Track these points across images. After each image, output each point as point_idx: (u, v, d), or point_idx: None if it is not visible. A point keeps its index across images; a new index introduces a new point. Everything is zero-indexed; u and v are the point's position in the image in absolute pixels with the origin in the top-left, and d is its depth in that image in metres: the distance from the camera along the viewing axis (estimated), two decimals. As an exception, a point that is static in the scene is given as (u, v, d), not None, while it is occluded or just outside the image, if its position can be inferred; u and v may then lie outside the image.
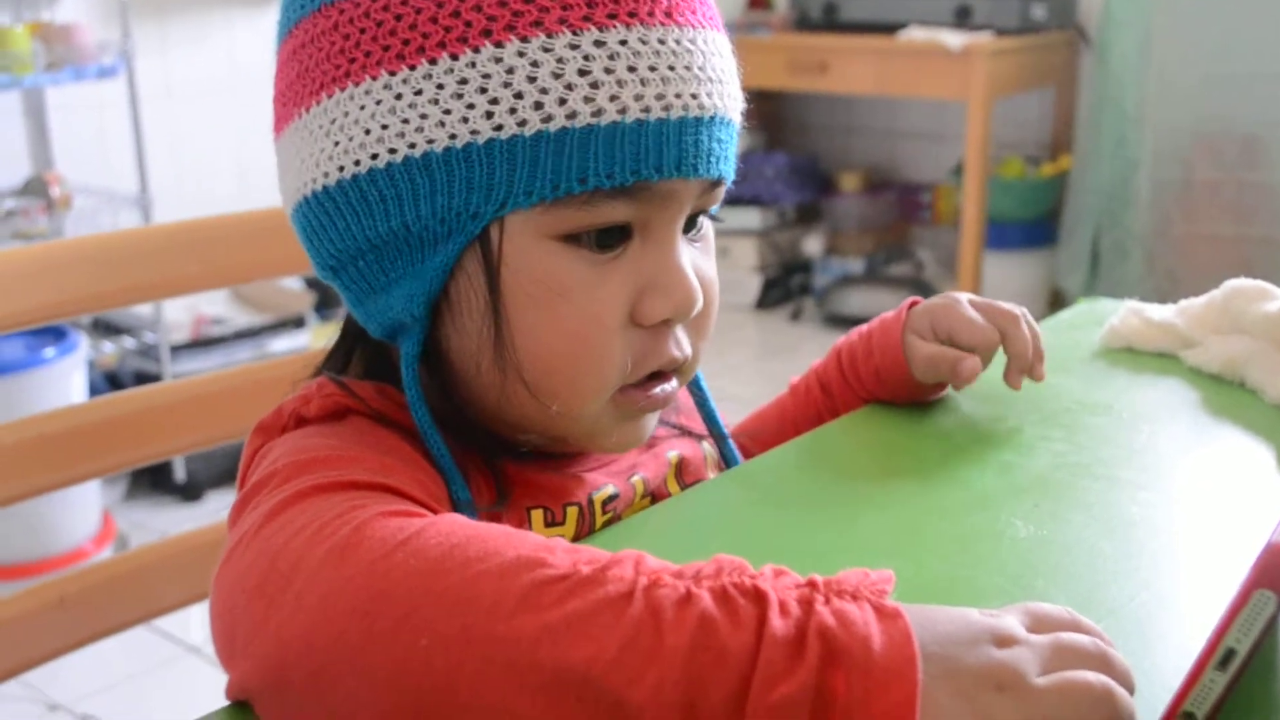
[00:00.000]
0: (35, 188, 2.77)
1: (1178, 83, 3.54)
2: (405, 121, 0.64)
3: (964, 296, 0.90)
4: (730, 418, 0.96)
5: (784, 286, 4.35)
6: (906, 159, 4.42)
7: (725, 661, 0.47)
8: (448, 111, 0.64)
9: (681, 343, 0.72)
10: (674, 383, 0.73)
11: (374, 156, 0.65)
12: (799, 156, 4.38)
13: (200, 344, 2.98)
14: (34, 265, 0.97)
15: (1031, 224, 3.93)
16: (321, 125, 0.67)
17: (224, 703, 0.57)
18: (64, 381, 2.40)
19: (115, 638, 1.05)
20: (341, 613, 0.51)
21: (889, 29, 3.74)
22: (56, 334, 2.47)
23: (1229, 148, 3.53)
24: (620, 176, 0.64)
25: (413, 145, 0.65)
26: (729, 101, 0.69)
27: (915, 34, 3.64)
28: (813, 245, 4.28)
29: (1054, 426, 0.88)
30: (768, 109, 4.52)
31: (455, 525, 0.54)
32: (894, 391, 0.91)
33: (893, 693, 0.47)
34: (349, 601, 0.51)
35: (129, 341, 2.86)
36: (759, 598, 0.49)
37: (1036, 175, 3.92)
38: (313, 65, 0.68)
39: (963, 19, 3.69)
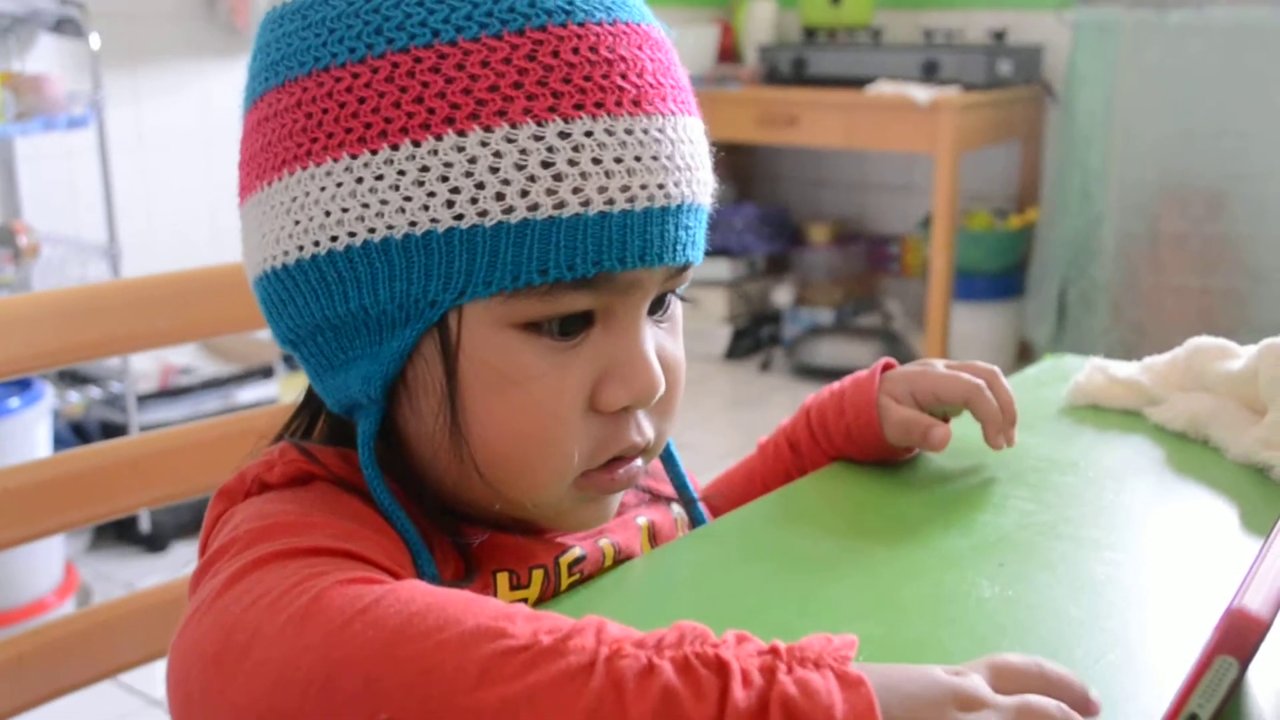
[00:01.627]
0: (3, 237, 2.75)
1: (1142, 138, 3.58)
2: (365, 206, 0.64)
3: (938, 361, 0.91)
4: (700, 467, 0.96)
5: (753, 337, 4.36)
6: (875, 211, 4.45)
7: None
8: (408, 198, 0.63)
9: (643, 427, 0.71)
10: (638, 463, 0.72)
11: (334, 239, 0.65)
12: (769, 208, 4.41)
13: (168, 393, 2.96)
14: (1, 318, 0.97)
15: (999, 275, 3.96)
16: (283, 202, 0.67)
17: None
18: (29, 431, 2.38)
19: (80, 692, 1.04)
20: (300, 683, 0.51)
21: (857, 83, 3.77)
22: (21, 384, 2.46)
23: (1193, 201, 3.57)
24: (582, 268, 0.64)
25: (372, 230, 0.64)
26: (698, 188, 0.68)
27: (883, 88, 3.68)
28: (782, 296, 4.30)
29: (1020, 485, 0.88)
30: (738, 161, 4.55)
31: (415, 592, 0.53)
32: (864, 451, 0.91)
33: None
34: (307, 672, 0.51)
35: (95, 391, 2.84)
36: (721, 668, 0.49)
37: (1004, 227, 3.95)
38: (275, 140, 0.67)
39: (930, 74, 3.73)
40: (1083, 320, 3.74)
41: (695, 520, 0.84)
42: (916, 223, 4.21)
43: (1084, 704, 0.53)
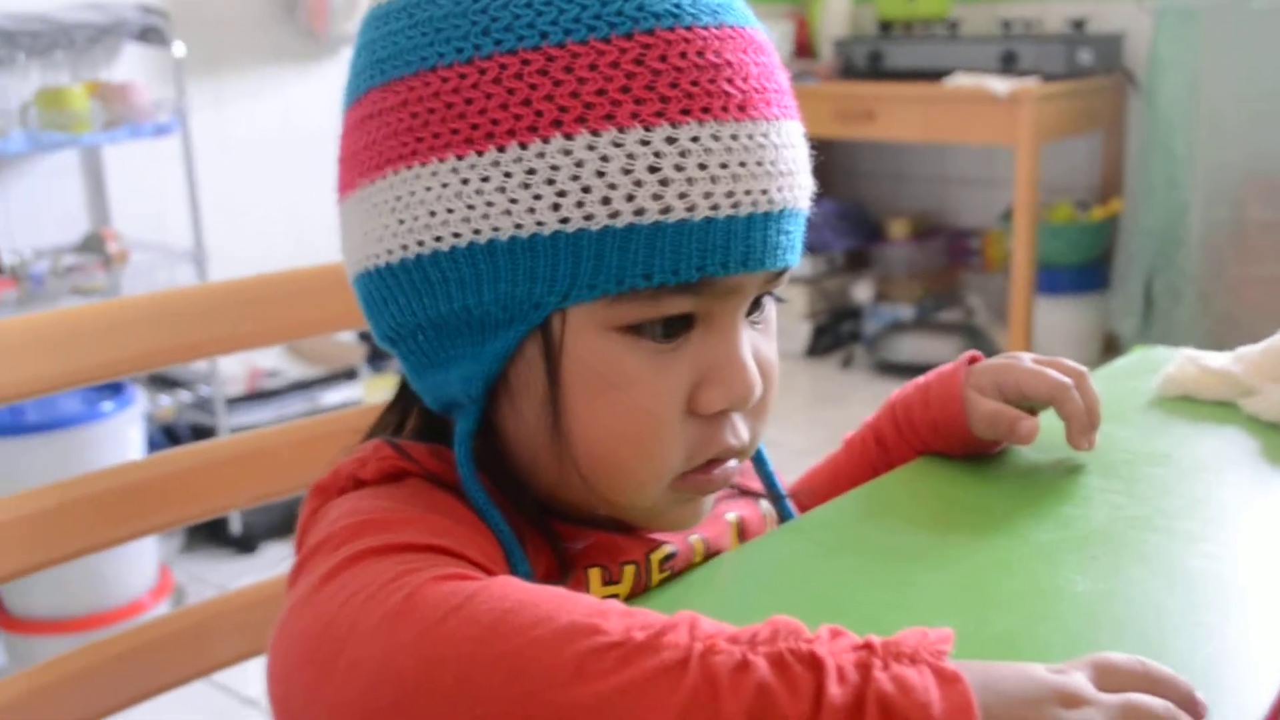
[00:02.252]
0: (93, 244, 2.81)
1: (1227, 123, 3.52)
2: (471, 207, 0.64)
3: (1025, 355, 0.90)
4: (781, 464, 0.96)
5: (834, 333, 4.34)
6: (955, 205, 4.41)
7: None
8: (514, 201, 0.63)
9: (739, 430, 0.71)
10: (734, 463, 0.72)
11: (438, 239, 0.65)
12: (847, 203, 4.38)
13: (255, 396, 3.00)
14: (93, 324, 0.98)
15: (1082, 268, 3.90)
16: (386, 200, 0.67)
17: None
18: (121, 435, 2.43)
19: (180, 694, 1.05)
20: (395, 681, 0.51)
21: (934, 76, 3.74)
22: (114, 388, 2.50)
23: (1281, 188, 3.50)
24: (686, 273, 0.63)
25: (477, 231, 0.64)
26: (798, 193, 0.68)
27: (961, 80, 3.64)
28: (862, 292, 4.27)
29: (1112, 478, 0.87)
30: (815, 157, 4.51)
31: (508, 589, 0.53)
32: (950, 445, 0.90)
33: None
34: (402, 670, 0.51)
35: (185, 395, 2.89)
36: (816, 664, 0.49)
37: (1087, 219, 3.90)
38: (380, 138, 0.67)
39: (1009, 65, 3.69)
40: (1170, 312, 3.68)
41: (783, 516, 0.84)
42: (997, 216, 4.16)
43: (1190, 704, 0.52)
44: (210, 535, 2.91)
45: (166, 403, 2.86)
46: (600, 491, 0.70)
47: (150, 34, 2.86)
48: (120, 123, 2.72)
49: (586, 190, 0.62)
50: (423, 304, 0.67)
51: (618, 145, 0.62)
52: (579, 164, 0.62)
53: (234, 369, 3.06)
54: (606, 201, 0.62)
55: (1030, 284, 3.70)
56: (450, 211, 0.64)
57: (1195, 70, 3.52)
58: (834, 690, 0.48)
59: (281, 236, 3.25)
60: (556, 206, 0.62)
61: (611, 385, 0.66)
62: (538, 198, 0.62)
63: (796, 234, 0.69)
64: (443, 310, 0.67)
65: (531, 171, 0.62)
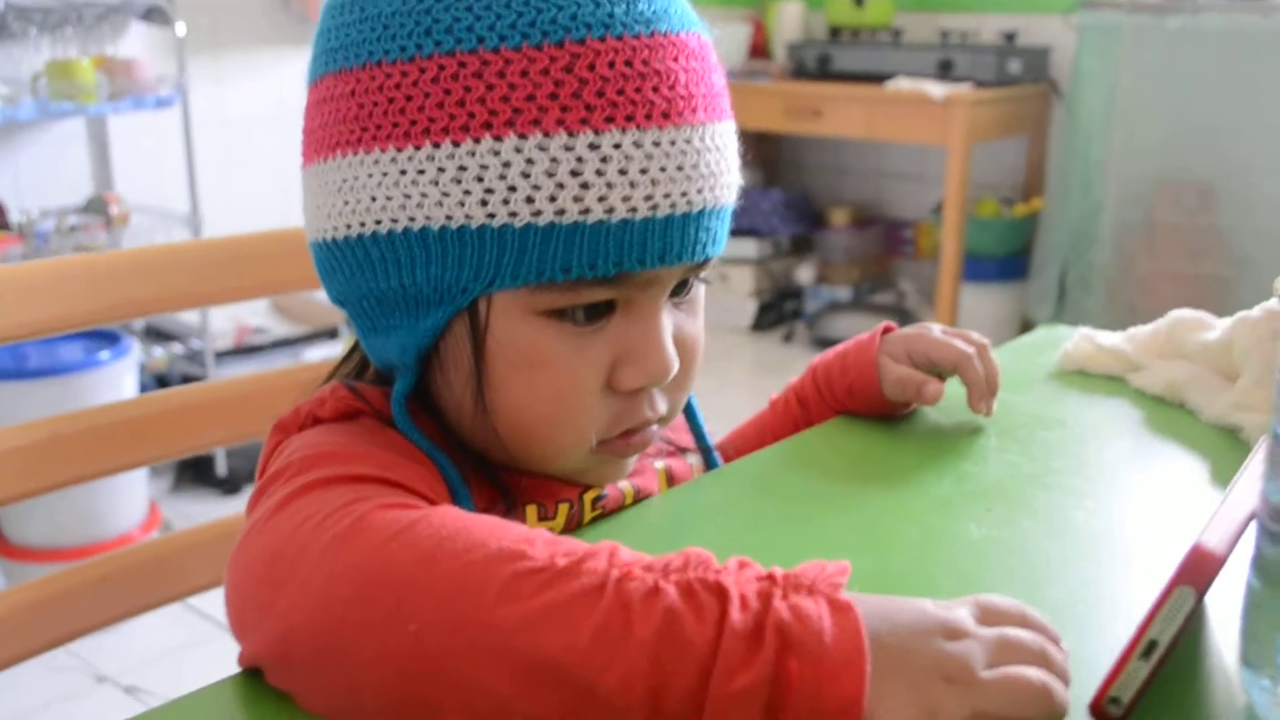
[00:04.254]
0: (96, 206, 2.78)
1: (1140, 134, 3.54)
2: (407, 196, 0.63)
3: (935, 326, 0.91)
4: (725, 429, 0.97)
5: (777, 311, 4.35)
6: (892, 197, 4.43)
7: (688, 653, 0.48)
8: (446, 194, 0.63)
9: (656, 403, 0.71)
10: (653, 428, 0.72)
11: (377, 222, 0.65)
12: (793, 193, 4.39)
13: (242, 351, 2.99)
14: (92, 272, 0.98)
15: (1005, 259, 3.93)
16: (334, 181, 0.67)
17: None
18: (117, 382, 2.41)
19: (158, 616, 1.06)
20: (341, 598, 0.52)
21: (878, 79, 3.75)
22: (111, 339, 2.48)
23: (1186, 194, 3.53)
24: (603, 268, 0.63)
25: (412, 219, 0.64)
26: (721, 192, 0.67)
27: (902, 84, 3.65)
28: (804, 274, 4.29)
29: (1010, 439, 0.88)
30: (766, 149, 4.53)
31: (447, 517, 0.54)
32: (865, 406, 0.91)
33: (843, 683, 0.47)
34: (347, 588, 0.52)
35: (177, 347, 2.87)
36: (721, 593, 0.49)
37: (1010, 215, 3.92)
38: (331, 121, 0.67)
39: (945, 71, 3.70)
40: (1081, 301, 3.71)
41: (710, 467, 0.84)
42: (929, 209, 4.18)
43: (1057, 644, 0.53)
44: (197, 476, 2.90)
45: (160, 354, 2.84)
46: (521, 458, 0.70)
47: (154, 14, 2.83)
48: (124, 95, 2.69)
49: (512, 189, 0.62)
50: (364, 277, 0.68)
51: (542, 149, 0.61)
52: (506, 164, 0.62)
53: (223, 325, 3.04)
54: (530, 201, 0.62)
55: (957, 272, 3.73)
56: (389, 199, 0.64)
57: (1114, 83, 3.54)
58: (736, 617, 0.48)
59: (272, 203, 3.22)
60: (484, 202, 0.62)
61: (531, 364, 0.66)
62: (467, 193, 0.62)
63: (719, 228, 0.68)
64: (380, 285, 0.67)
65: (463, 168, 0.62)
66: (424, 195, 0.63)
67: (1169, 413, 0.95)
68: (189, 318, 2.95)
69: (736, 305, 4.27)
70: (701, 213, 0.66)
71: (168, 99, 2.75)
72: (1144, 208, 3.59)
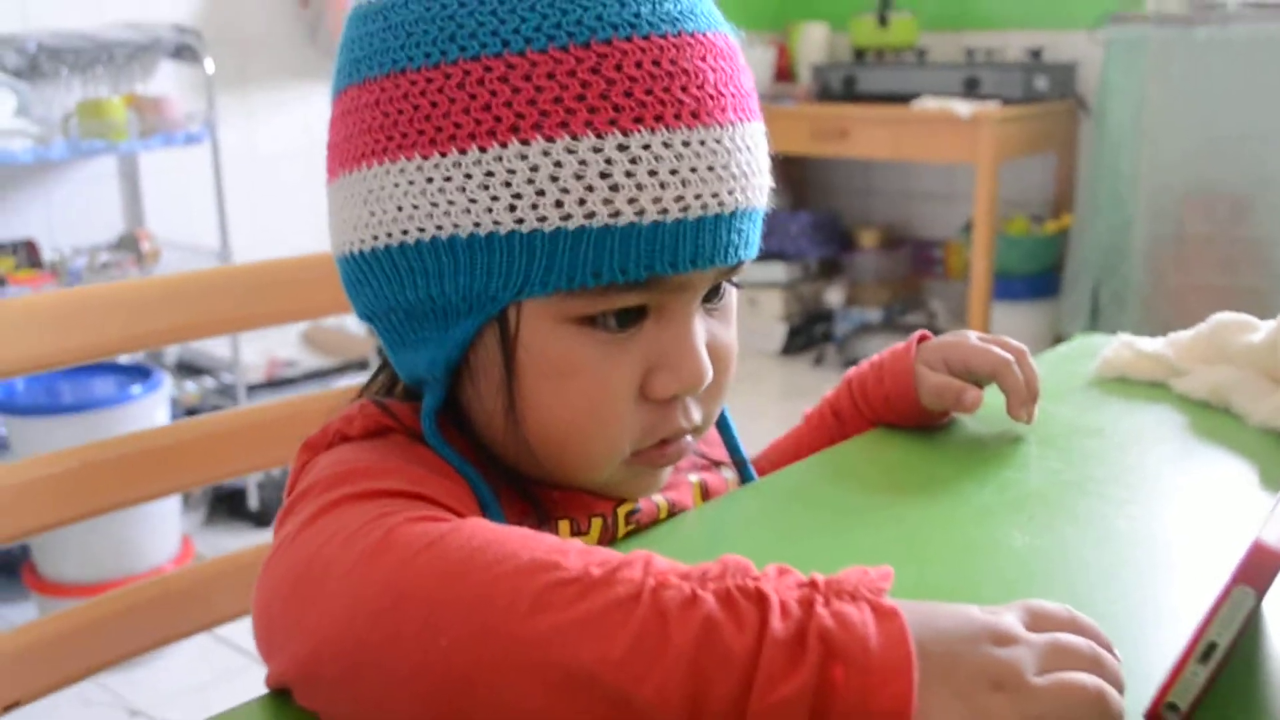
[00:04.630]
0: (128, 243, 2.80)
1: (1169, 147, 3.51)
2: (434, 205, 0.63)
3: (972, 333, 0.89)
4: (756, 452, 0.95)
5: (807, 334, 4.33)
6: (920, 218, 4.41)
7: (728, 663, 0.46)
8: (474, 201, 0.62)
9: (690, 413, 0.69)
10: (689, 439, 0.71)
11: (404, 233, 0.64)
12: (821, 215, 4.37)
13: (273, 384, 2.99)
14: (124, 300, 0.98)
15: (1036, 277, 3.90)
16: (360, 193, 0.66)
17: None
18: (149, 416, 2.42)
19: (189, 648, 1.05)
20: (368, 614, 0.50)
21: (903, 99, 3.73)
22: (143, 373, 2.49)
23: (1218, 206, 3.49)
24: (634, 272, 0.62)
25: (440, 228, 0.63)
26: (752, 194, 0.66)
27: (928, 103, 3.63)
28: (834, 296, 4.27)
29: (1050, 448, 0.86)
30: (793, 172, 4.52)
31: (478, 529, 0.53)
32: (901, 417, 0.90)
33: (890, 691, 0.45)
34: (375, 603, 0.50)
35: (209, 381, 2.88)
36: (761, 600, 0.48)
37: (1040, 232, 3.89)
38: (356, 133, 0.66)
39: (971, 89, 3.68)
40: (1114, 317, 3.67)
41: (745, 480, 0.83)
42: (959, 228, 4.16)
43: (1109, 650, 0.51)
44: (230, 510, 2.90)
45: (191, 388, 2.85)
46: (554, 470, 0.69)
47: (184, 51, 2.85)
48: (154, 132, 2.71)
49: (540, 194, 0.61)
50: (392, 290, 0.67)
51: (570, 152, 0.60)
52: (534, 169, 0.61)
53: (254, 359, 3.05)
54: (559, 205, 0.61)
55: (988, 291, 3.70)
56: (415, 208, 0.63)
57: (1141, 97, 3.51)
58: (777, 625, 0.46)
59: (302, 237, 3.22)
60: (512, 208, 0.61)
61: (563, 373, 0.65)
62: (495, 199, 0.61)
63: (750, 230, 0.67)
64: (409, 297, 0.66)
65: (490, 174, 0.61)
66: (451, 203, 0.62)
67: (1214, 417, 0.93)
68: (220, 351, 2.96)
69: (766, 329, 4.25)
70: (733, 214, 0.64)
71: (197, 135, 2.77)
72: (1175, 221, 3.56)
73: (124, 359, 2.74)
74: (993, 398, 0.87)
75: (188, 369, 2.98)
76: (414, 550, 0.51)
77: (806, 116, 3.90)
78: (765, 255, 3.68)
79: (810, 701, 0.45)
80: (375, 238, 0.66)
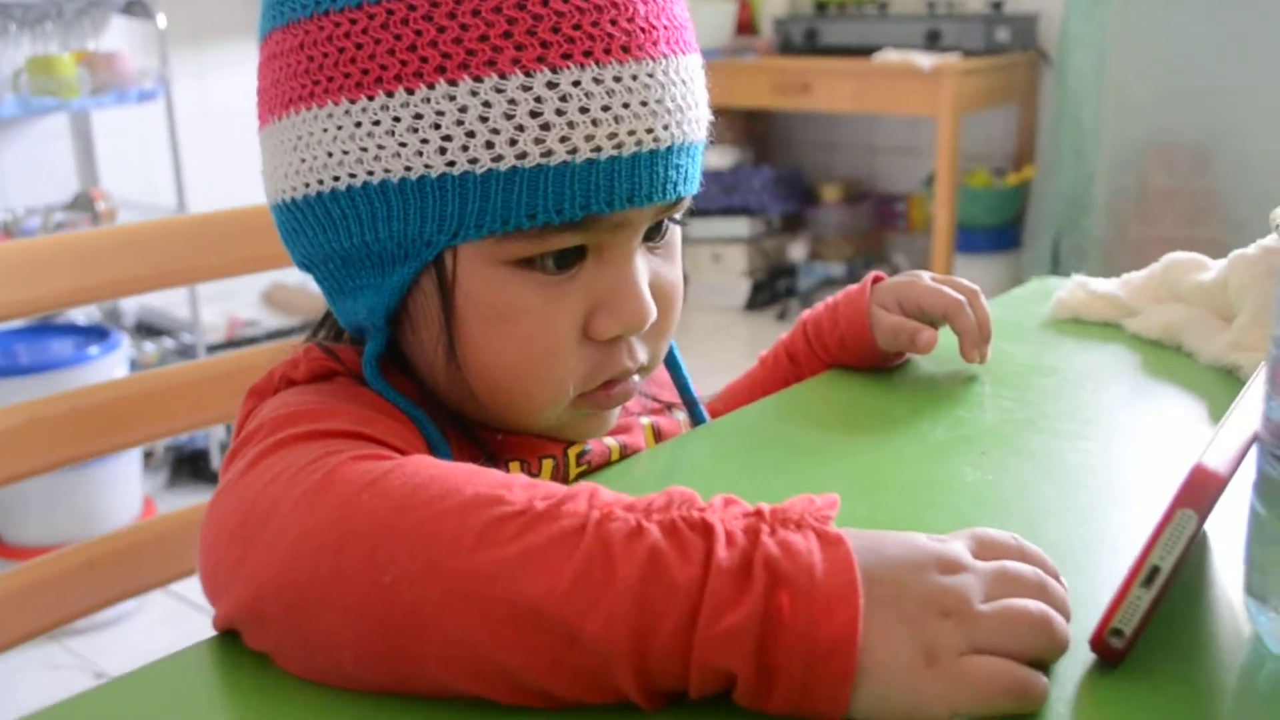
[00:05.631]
0: (82, 203, 2.76)
1: (1132, 98, 3.52)
2: (364, 150, 0.62)
3: (925, 274, 0.89)
4: (708, 397, 0.94)
5: (770, 289, 4.33)
6: (883, 171, 4.41)
7: (674, 593, 0.46)
8: (403, 144, 0.61)
9: (635, 352, 0.69)
10: (634, 379, 0.70)
11: (335, 179, 0.63)
12: (784, 170, 4.37)
13: (234, 344, 2.97)
14: (80, 251, 0.96)
15: (998, 230, 3.91)
16: (289, 139, 0.65)
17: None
18: (107, 376, 2.36)
19: (155, 611, 1.04)
20: (311, 552, 0.50)
21: (865, 52, 3.72)
22: (101, 334, 2.47)
23: (1180, 158, 3.51)
24: (570, 212, 0.61)
25: (370, 173, 0.62)
26: (689, 127, 0.65)
27: (890, 56, 3.62)
28: (797, 251, 4.27)
29: (1004, 387, 0.86)
30: (755, 126, 4.50)
31: (421, 466, 0.52)
32: (857, 357, 0.90)
33: (836, 617, 0.45)
34: (318, 541, 0.50)
35: (169, 342, 2.86)
36: (706, 530, 0.47)
37: (1002, 185, 3.90)
38: (282, 78, 0.65)
39: (933, 42, 3.68)
40: (1076, 269, 3.61)
41: (697, 421, 0.82)
42: (921, 182, 4.16)
43: (1056, 578, 0.52)
44: (193, 472, 2.88)
45: (150, 349, 2.82)
46: (498, 415, 0.69)
47: (135, 7, 2.80)
48: (107, 89, 2.67)
49: (470, 135, 0.60)
50: (326, 237, 0.66)
51: (499, 91, 0.59)
52: (462, 110, 0.60)
53: (214, 319, 3.02)
54: (490, 146, 0.60)
55: (950, 244, 3.71)
56: (345, 153, 0.62)
57: (1103, 49, 3.52)
58: (722, 554, 0.46)
59: (259, 194, 3.20)
60: (442, 150, 0.60)
61: (503, 317, 0.65)
62: (425, 142, 0.60)
63: (689, 166, 0.66)
64: (344, 244, 0.65)
65: (418, 116, 0.60)
66: (381, 147, 0.61)
67: (1166, 356, 0.93)
68: (180, 312, 2.93)
69: (729, 285, 4.25)
70: (670, 149, 0.64)
71: (151, 92, 2.73)
72: (1137, 174, 3.57)
73: (82, 320, 2.71)
74: (947, 339, 0.88)
75: (147, 330, 2.95)
76: (357, 487, 0.51)
77: (768, 70, 3.88)
78: (728, 210, 3.65)
79: (757, 630, 0.45)
80: (307, 185, 0.65)
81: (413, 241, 0.63)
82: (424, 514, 0.49)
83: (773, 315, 4.22)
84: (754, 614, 0.45)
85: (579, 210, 0.61)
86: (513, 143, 0.60)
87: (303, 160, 0.64)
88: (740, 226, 4.22)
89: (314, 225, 0.66)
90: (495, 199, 0.61)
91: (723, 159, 4.17)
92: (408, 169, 0.61)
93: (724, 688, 0.47)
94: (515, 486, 0.50)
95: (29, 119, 2.85)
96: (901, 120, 4.24)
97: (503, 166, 0.60)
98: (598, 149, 0.61)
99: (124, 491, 2.45)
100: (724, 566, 0.46)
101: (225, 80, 3.23)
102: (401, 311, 0.67)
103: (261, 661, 0.53)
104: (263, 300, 3.26)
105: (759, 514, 0.49)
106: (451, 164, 0.60)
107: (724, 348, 3.86)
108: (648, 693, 0.47)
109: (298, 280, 3.15)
